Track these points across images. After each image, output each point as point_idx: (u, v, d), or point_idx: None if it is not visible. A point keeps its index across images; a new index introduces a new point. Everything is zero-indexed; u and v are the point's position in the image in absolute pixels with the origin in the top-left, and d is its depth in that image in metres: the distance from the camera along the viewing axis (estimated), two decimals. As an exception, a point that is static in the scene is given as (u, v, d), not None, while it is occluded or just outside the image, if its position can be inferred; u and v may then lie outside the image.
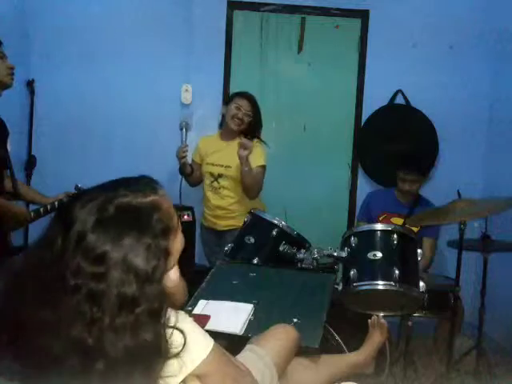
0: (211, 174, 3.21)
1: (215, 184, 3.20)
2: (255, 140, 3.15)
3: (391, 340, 2.52)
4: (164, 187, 1.16)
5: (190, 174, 3.23)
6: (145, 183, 1.13)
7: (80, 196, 1.08)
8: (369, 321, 2.23)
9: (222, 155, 3.18)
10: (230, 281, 2.24)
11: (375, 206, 3.43)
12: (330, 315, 2.00)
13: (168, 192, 1.17)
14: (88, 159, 3.77)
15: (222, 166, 3.17)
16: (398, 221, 3.26)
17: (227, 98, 3.43)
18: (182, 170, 3.19)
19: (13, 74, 2.48)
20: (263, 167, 3.13)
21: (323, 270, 2.41)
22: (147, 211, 1.07)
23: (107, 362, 0.97)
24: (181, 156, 3.12)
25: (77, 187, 2.63)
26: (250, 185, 3.06)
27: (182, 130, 3.15)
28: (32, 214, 2.55)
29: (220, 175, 3.18)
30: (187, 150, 3.16)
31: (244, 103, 3.15)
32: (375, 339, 2.17)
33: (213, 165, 3.21)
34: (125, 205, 1.05)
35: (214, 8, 3.86)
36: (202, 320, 1.82)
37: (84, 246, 1.00)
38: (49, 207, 2.57)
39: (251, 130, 3.18)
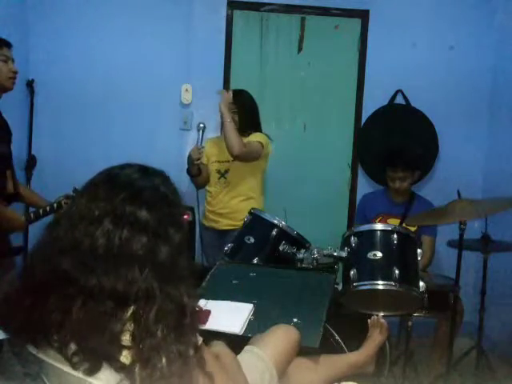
0: (218, 171, 3.28)
1: (222, 180, 3.26)
2: (256, 133, 3.19)
3: (391, 340, 2.52)
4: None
5: (198, 174, 3.25)
6: None
7: None
8: (369, 321, 2.23)
9: (226, 151, 3.20)
10: (230, 281, 2.24)
11: (370, 208, 3.41)
12: (329, 315, 1.99)
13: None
14: (88, 159, 3.75)
15: (228, 161, 3.23)
16: (395, 222, 3.23)
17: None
18: (191, 170, 3.20)
19: (15, 78, 2.46)
20: (259, 142, 3.17)
21: (323, 270, 2.41)
22: None
23: None
24: (196, 157, 3.14)
25: (75, 190, 2.62)
26: (229, 139, 3.05)
27: (198, 131, 3.16)
28: (31, 215, 2.56)
29: (226, 171, 3.24)
30: (203, 152, 3.18)
31: None
32: (375, 339, 2.16)
33: (219, 162, 3.28)
34: None
35: (214, 8, 3.86)
36: (202, 316, 1.82)
37: None
38: (48, 209, 2.58)
39: (243, 124, 3.18)
